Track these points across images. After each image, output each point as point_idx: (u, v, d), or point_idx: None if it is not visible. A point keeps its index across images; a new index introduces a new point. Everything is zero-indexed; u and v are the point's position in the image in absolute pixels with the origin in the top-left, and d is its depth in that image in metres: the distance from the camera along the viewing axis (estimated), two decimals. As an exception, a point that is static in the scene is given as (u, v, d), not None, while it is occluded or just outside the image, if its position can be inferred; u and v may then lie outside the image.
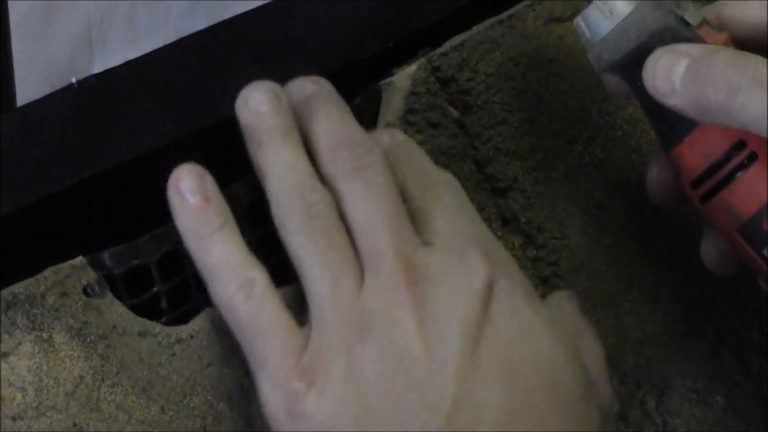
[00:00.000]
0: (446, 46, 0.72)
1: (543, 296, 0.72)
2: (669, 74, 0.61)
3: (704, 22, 0.65)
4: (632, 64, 0.64)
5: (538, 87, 0.73)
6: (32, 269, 0.62)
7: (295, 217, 0.60)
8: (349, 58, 0.75)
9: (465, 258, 0.60)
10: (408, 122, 0.70)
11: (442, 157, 0.70)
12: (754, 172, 0.63)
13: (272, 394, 0.59)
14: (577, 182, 0.73)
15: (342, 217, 0.60)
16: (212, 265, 0.60)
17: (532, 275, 0.71)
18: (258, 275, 0.60)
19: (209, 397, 0.63)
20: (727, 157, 0.63)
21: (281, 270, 0.68)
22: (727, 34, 0.64)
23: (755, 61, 0.59)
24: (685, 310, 0.74)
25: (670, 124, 0.64)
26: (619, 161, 0.74)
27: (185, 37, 0.68)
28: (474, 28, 0.72)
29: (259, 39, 0.71)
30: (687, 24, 0.64)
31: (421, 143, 0.70)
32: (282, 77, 0.72)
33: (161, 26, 0.68)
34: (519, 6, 0.74)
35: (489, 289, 0.59)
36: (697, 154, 0.63)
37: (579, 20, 0.65)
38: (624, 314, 0.73)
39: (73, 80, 0.66)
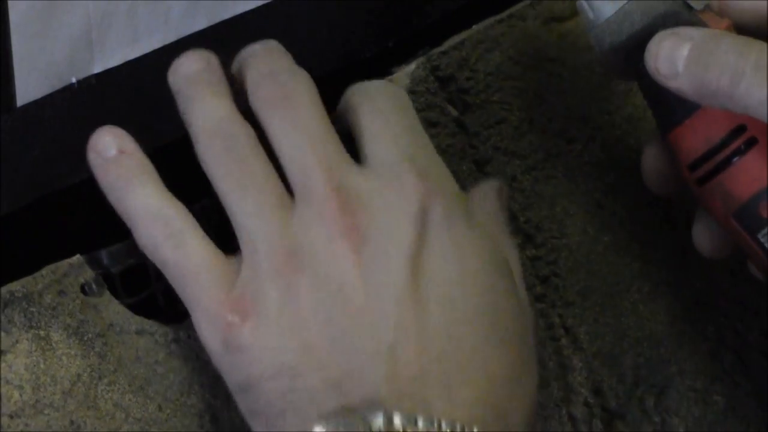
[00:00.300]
0: (446, 45, 0.72)
1: (541, 295, 0.72)
2: (672, 57, 0.62)
3: (707, 7, 0.65)
4: (634, 46, 0.64)
5: (537, 86, 0.73)
6: (30, 267, 0.62)
7: (213, 152, 0.59)
8: (349, 58, 0.75)
9: (400, 181, 0.58)
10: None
11: (440, 156, 0.70)
12: (752, 156, 0.63)
13: (208, 330, 0.58)
14: (577, 182, 0.73)
15: (272, 150, 0.60)
16: (133, 213, 0.59)
17: (530, 274, 0.71)
18: (180, 218, 0.59)
19: (206, 395, 0.63)
20: (727, 141, 0.63)
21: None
22: (729, 20, 0.65)
23: (759, 46, 0.60)
24: (684, 309, 0.74)
25: (670, 107, 0.64)
26: (618, 161, 0.74)
27: (185, 37, 0.68)
28: (474, 27, 0.72)
29: (259, 39, 0.71)
30: (690, 8, 0.64)
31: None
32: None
33: (161, 26, 0.68)
34: (519, 5, 0.74)
35: (424, 212, 0.58)
36: (696, 137, 0.64)
37: (583, 1, 0.65)
38: (623, 314, 0.72)
39: (73, 80, 0.66)
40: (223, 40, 0.69)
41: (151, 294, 0.65)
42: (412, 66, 0.70)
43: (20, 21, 0.64)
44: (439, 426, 0.54)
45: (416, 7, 0.75)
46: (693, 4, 0.65)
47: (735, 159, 0.63)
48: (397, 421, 0.54)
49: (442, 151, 0.70)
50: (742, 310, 0.74)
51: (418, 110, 0.70)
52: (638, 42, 0.64)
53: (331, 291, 0.56)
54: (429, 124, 0.70)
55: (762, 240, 0.63)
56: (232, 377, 0.58)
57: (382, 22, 0.74)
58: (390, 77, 0.70)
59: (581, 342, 0.71)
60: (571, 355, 0.71)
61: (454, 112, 0.71)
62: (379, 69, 0.73)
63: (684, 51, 0.61)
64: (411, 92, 0.70)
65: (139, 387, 0.62)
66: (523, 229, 0.72)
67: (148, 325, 0.63)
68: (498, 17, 0.73)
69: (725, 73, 0.60)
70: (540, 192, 0.72)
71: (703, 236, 0.67)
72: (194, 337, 0.63)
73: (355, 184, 0.58)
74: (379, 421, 0.54)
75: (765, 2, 0.65)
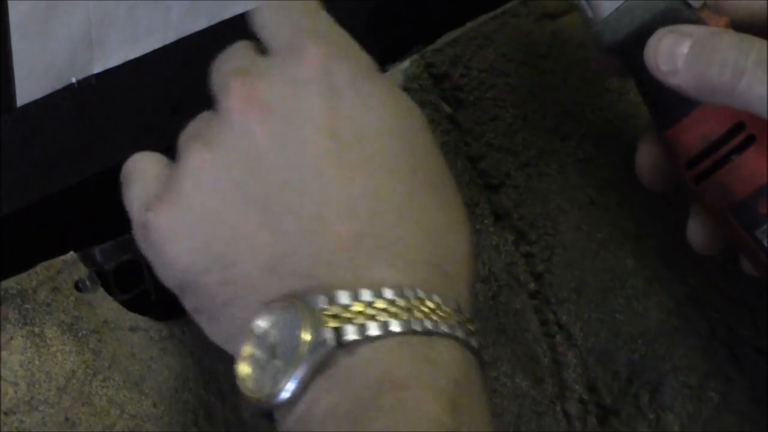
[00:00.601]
0: (439, 43, 0.72)
1: (535, 292, 0.72)
2: (672, 54, 0.62)
3: (704, 6, 0.65)
4: (633, 44, 0.64)
5: (531, 83, 0.73)
6: (24, 264, 0.63)
7: None
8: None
9: (299, 52, 0.58)
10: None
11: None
12: (751, 153, 0.63)
13: (137, 236, 0.58)
14: (570, 178, 0.73)
15: None
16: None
17: (524, 271, 0.71)
18: None
19: (200, 392, 0.64)
20: (725, 139, 0.63)
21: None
22: (726, 18, 0.65)
23: (759, 43, 0.60)
24: (678, 306, 0.73)
25: (667, 105, 0.64)
26: (612, 157, 0.74)
27: (185, 37, 0.68)
28: (467, 24, 0.72)
29: (259, 39, 0.71)
30: (689, 6, 0.64)
31: (413, 139, 0.70)
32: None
33: (161, 26, 0.68)
34: (512, 2, 0.74)
35: (329, 76, 0.57)
36: (694, 134, 0.63)
37: None
38: (617, 310, 0.72)
39: (73, 80, 0.66)
40: (223, 40, 0.69)
41: (144, 290, 0.65)
42: (406, 63, 0.70)
43: (20, 21, 0.64)
44: (381, 294, 0.52)
45: (410, 6, 0.75)
46: (691, 2, 0.65)
47: (733, 156, 0.63)
48: (342, 299, 0.52)
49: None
50: (735, 306, 0.74)
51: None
52: (637, 39, 0.64)
53: (246, 169, 0.55)
54: (423, 121, 0.71)
55: (759, 236, 0.63)
56: (169, 280, 0.57)
57: (378, 21, 0.74)
58: (384, 74, 0.70)
59: (575, 338, 0.71)
60: (566, 352, 0.71)
61: (448, 109, 0.71)
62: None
63: (684, 48, 0.61)
64: (405, 89, 0.70)
65: (134, 383, 0.62)
66: (516, 226, 0.72)
67: (142, 321, 0.63)
68: (491, 14, 0.73)
69: (726, 69, 0.60)
70: (533, 189, 0.72)
71: (697, 232, 0.67)
72: (189, 333, 0.64)
73: (261, 68, 0.58)
74: (321, 302, 0.52)
75: (761, 0, 0.65)
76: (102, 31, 0.67)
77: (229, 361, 0.63)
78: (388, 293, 0.52)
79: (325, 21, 0.61)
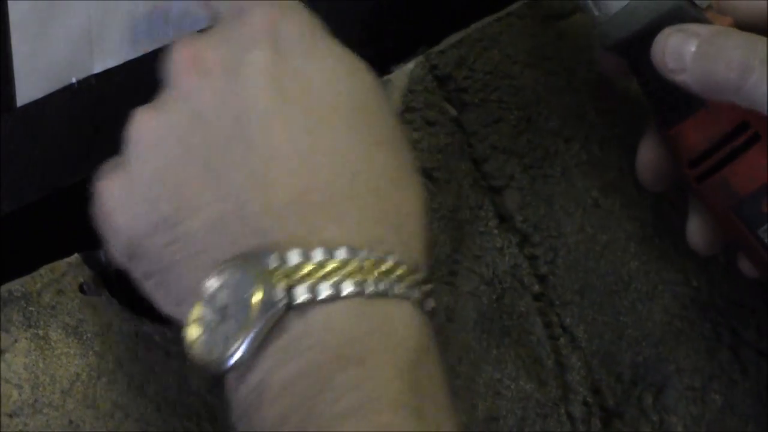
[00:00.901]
0: (444, 44, 0.72)
1: (539, 294, 0.72)
2: (680, 52, 0.62)
3: (710, 6, 0.65)
4: (639, 42, 0.64)
5: (535, 85, 0.73)
6: (28, 267, 0.63)
7: None
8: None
9: (244, 13, 0.56)
10: (405, 120, 0.70)
11: (438, 155, 0.70)
12: (755, 153, 0.63)
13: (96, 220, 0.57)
14: (574, 180, 0.73)
15: None
16: None
17: (528, 273, 0.71)
18: None
19: (205, 395, 0.63)
20: (729, 138, 0.63)
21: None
22: (730, 19, 0.65)
23: (766, 42, 0.60)
24: (682, 308, 0.74)
25: (672, 104, 0.64)
26: (616, 159, 0.74)
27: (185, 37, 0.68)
28: (472, 25, 0.72)
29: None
30: (696, 5, 0.65)
31: (418, 141, 0.70)
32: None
33: (161, 26, 0.68)
34: (517, 4, 0.73)
35: (274, 32, 0.55)
36: (698, 133, 0.64)
37: None
38: (621, 313, 0.72)
39: (73, 80, 0.66)
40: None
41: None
42: (411, 65, 0.70)
43: (20, 21, 0.64)
44: (333, 255, 0.50)
45: (413, 6, 0.75)
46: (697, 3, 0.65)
47: (738, 155, 0.63)
48: (293, 258, 0.50)
49: (440, 150, 0.70)
50: (739, 309, 0.74)
51: (416, 109, 0.70)
52: (643, 38, 0.64)
53: (190, 128, 0.54)
54: (427, 123, 0.70)
55: (761, 235, 0.63)
56: (117, 250, 0.56)
57: (380, 21, 0.74)
58: (388, 76, 0.70)
59: (579, 341, 0.71)
60: (570, 354, 0.71)
61: (453, 111, 0.71)
62: (378, 68, 0.73)
63: (692, 46, 0.62)
64: (409, 91, 0.70)
65: (138, 387, 0.62)
66: (520, 228, 0.72)
67: (147, 324, 0.63)
68: (496, 16, 0.73)
69: (733, 67, 0.60)
70: (538, 191, 0.72)
71: (697, 232, 0.67)
72: (193, 336, 0.64)
73: (203, 35, 0.57)
74: (272, 261, 0.50)
75: (764, 1, 0.65)
76: (102, 31, 0.67)
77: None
78: (341, 253, 0.51)
79: None
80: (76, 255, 0.63)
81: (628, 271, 0.73)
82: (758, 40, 0.60)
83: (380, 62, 0.73)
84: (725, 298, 0.74)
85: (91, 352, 0.61)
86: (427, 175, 0.70)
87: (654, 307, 0.72)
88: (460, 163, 0.71)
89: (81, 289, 0.62)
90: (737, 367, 0.73)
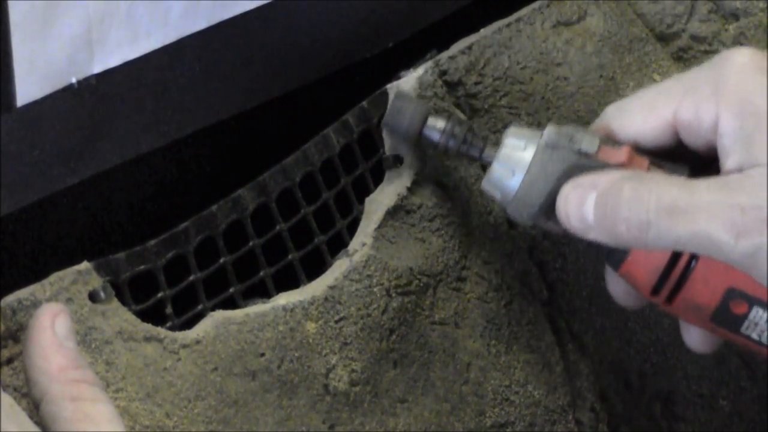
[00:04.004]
0: (454, 50, 0.71)
1: (547, 300, 0.72)
2: (581, 214, 0.62)
3: (602, 143, 0.64)
4: (551, 209, 0.64)
5: (545, 91, 0.73)
6: (34, 269, 0.62)
7: None
8: (349, 59, 0.74)
9: None
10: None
11: (448, 161, 0.70)
12: (702, 268, 0.63)
13: None
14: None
15: None
16: None
17: (537, 280, 0.71)
18: None
19: (213, 402, 0.63)
20: (673, 262, 0.63)
21: (286, 274, 0.68)
22: (627, 146, 0.63)
23: (656, 186, 0.59)
24: (690, 314, 0.74)
25: (609, 249, 0.64)
26: (625, 165, 0.74)
27: (185, 37, 0.67)
28: (481, 31, 0.72)
29: (259, 39, 0.71)
30: (586, 154, 0.64)
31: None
32: (282, 77, 0.72)
33: (161, 26, 0.67)
34: (527, 9, 0.73)
35: None
36: (643, 268, 0.64)
37: (485, 184, 0.65)
38: (629, 319, 0.73)
39: (73, 80, 0.65)
40: (223, 40, 0.69)
41: (159, 301, 0.64)
42: (420, 70, 0.70)
43: (20, 21, 0.63)
44: None
45: (417, 8, 0.74)
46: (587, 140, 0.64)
47: (689, 274, 0.63)
48: None
49: (450, 157, 0.70)
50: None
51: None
52: (552, 204, 0.63)
53: None
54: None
55: (746, 333, 0.63)
56: None
57: (382, 23, 0.74)
58: (398, 81, 0.70)
59: (588, 347, 0.72)
60: (578, 361, 0.71)
61: (463, 117, 0.71)
62: (379, 69, 0.73)
63: (590, 206, 0.61)
64: (419, 97, 0.69)
65: (147, 394, 0.61)
66: (530, 234, 0.72)
67: (156, 332, 0.63)
68: (506, 21, 0.72)
69: (632, 226, 0.60)
70: (547, 197, 0.72)
71: (692, 338, 0.66)
72: (202, 343, 0.63)
73: None
74: None
75: (648, 121, 0.64)
76: (102, 31, 0.66)
77: (243, 373, 0.62)
78: None
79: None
80: (85, 263, 0.61)
81: (636, 278, 0.73)
82: (649, 187, 0.60)
83: (382, 63, 0.73)
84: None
85: (100, 360, 0.61)
86: (437, 181, 0.70)
87: (662, 314, 0.73)
88: (469, 169, 0.71)
89: (91, 297, 0.61)
90: (745, 374, 0.74)
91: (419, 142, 0.67)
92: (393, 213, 0.68)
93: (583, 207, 0.62)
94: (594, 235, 0.62)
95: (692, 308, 0.64)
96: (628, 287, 0.66)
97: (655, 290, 0.64)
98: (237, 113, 0.71)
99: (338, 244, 0.69)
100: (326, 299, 0.66)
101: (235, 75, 0.70)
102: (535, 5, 0.74)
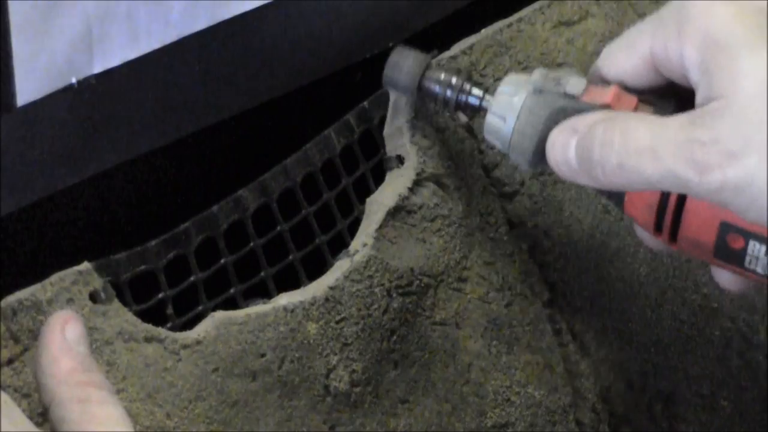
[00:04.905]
0: (455, 50, 0.71)
1: (549, 301, 0.72)
2: (565, 158, 0.61)
3: (591, 85, 0.63)
4: (544, 155, 0.63)
5: (545, 91, 0.73)
6: (34, 269, 0.62)
7: None
8: (349, 59, 0.74)
9: None
10: (416, 126, 0.69)
11: (449, 161, 0.70)
12: (691, 204, 0.62)
13: None
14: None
15: None
16: None
17: (539, 280, 0.71)
18: None
19: (214, 403, 0.63)
20: (665, 200, 0.63)
21: (287, 274, 0.68)
22: (614, 86, 0.62)
23: (626, 126, 0.58)
24: (691, 314, 0.74)
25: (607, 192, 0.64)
26: (626, 165, 0.74)
27: (185, 37, 0.67)
28: (482, 31, 0.72)
29: (259, 39, 0.71)
30: (572, 97, 0.63)
31: (428, 147, 0.69)
32: (282, 77, 0.72)
33: (161, 26, 0.67)
34: (528, 9, 0.73)
35: None
36: (639, 208, 0.63)
37: (485, 134, 0.65)
38: (630, 319, 0.73)
39: (73, 80, 0.65)
40: (223, 40, 0.69)
41: (160, 301, 0.64)
42: (421, 70, 0.70)
43: (20, 21, 0.63)
44: None
45: (416, 8, 0.74)
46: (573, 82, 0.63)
47: (682, 211, 0.62)
48: None
49: (450, 157, 0.70)
50: (748, 314, 0.75)
51: (427, 115, 0.70)
52: (544, 150, 0.62)
53: None
54: (438, 130, 0.70)
55: (751, 268, 0.62)
56: None
57: (382, 23, 0.74)
58: (398, 81, 0.70)
59: (589, 347, 0.72)
60: (579, 361, 0.71)
61: (463, 118, 0.71)
62: (379, 69, 0.73)
63: (571, 151, 0.60)
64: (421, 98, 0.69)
65: (148, 395, 0.61)
66: (531, 234, 0.72)
67: (157, 332, 0.63)
68: (507, 21, 0.72)
69: (606, 170, 0.59)
70: (548, 197, 0.72)
71: (722, 276, 0.65)
72: (203, 343, 0.63)
73: None
74: None
75: (634, 61, 0.63)
76: (102, 31, 0.66)
77: (243, 373, 0.62)
78: None
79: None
80: (86, 263, 0.61)
81: (637, 278, 0.73)
82: (615, 128, 0.59)
83: (382, 63, 0.72)
84: (734, 303, 0.75)
85: (101, 360, 0.60)
86: (438, 181, 0.69)
87: (663, 314, 0.73)
88: (470, 169, 0.71)
89: (91, 297, 0.61)
90: (747, 374, 0.74)
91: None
92: (394, 213, 0.68)
93: (567, 152, 0.61)
94: (581, 179, 0.61)
95: (695, 245, 0.63)
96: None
97: (658, 227, 0.63)
98: (237, 113, 0.71)
99: (339, 245, 0.69)
100: (327, 300, 0.66)
101: (235, 75, 0.70)
102: (536, 5, 0.74)
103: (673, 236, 0.63)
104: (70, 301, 0.60)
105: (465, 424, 0.69)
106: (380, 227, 0.68)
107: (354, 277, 0.66)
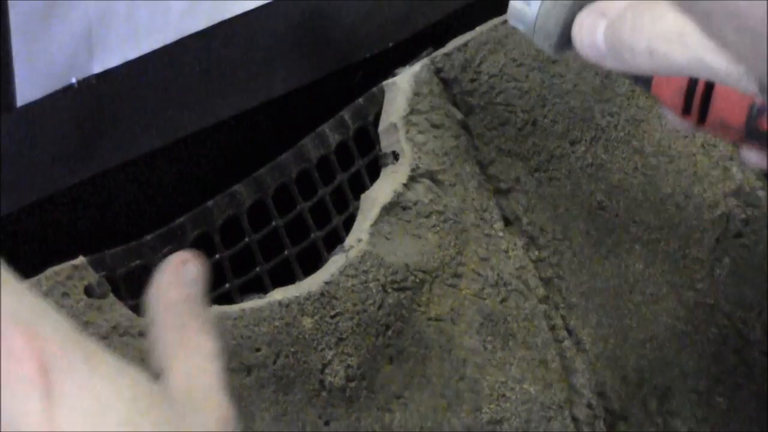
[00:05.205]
0: (449, 47, 0.71)
1: (544, 297, 0.72)
2: (593, 41, 0.60)
3: None
4: (570, 37, 0.63)
5: (540, 88, 0.73)
6: (34, 269, 0.62)
7: None
8: (349, 58, 0.74)
9: (5, 345, 0.47)
10: (411, 123, 0.69)
11: (444, 158, 0.70)
12: (720, 87, 0.62)
13: None
14: (580, 183, 0.73)
15: None
16: None
17: (534, 276, 0.71)
18: None
19: (210, 398, 0.63)
20: (694, 83, 0.63)
21: (283, 269, 0.68)
22: None
23: (656, 12, 0.57)
24: (687, 311, 0.74)
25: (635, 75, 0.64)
26: (621, 162, 0.74)
27: (185, 37, 0.68)
28: (477, 28, 0.72)
29: (259, 39, 0.71)
30: None
31: (423, 144, 0.69)
32: (282, 77, 0.72)
33: (161, 26, 0.68)
34: (522, 6, 0.73)
35: (44, 371, 0.47)
36: (668, 90, 0.64)
37: (509, 18, 0.64)
38: (626, 315, 0.72)
39: (73, 80, 0.65)
40: (223, 40, 0.69)
41: (155, 296, 0.64)
42: (416, 68, 0.70)
43: (20, 21, 0.63)
44: None
45: (416, 8, 0.75)
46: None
47: (711, 93, 0.63)
48: None
49: (446, 153, 0.70)
50: (745, 311, 0.75)
51: (422, 112, 0.70)
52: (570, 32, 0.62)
53: None
54: (433, 126, 0.70)
55: None
56: None
57: (382, 23, 0.74)
58: (393, 79, 0.70)
59: (584, 344, 0.71)
60: (574, 357, 0.71)
61: (458, 114, 0.71)
62: (379, 69, 0.73)
63: (600, 34, 0.59)
64: (415, 94, 0.69)
65: (143, 389, 0.61)
66: (526, 230, 0.72)
67: (152, 326, 0.63)
68: (501, 18, 0.72)
69: (637, 54, 0.58)
70: (543, 194, 0.72)
71: (749, 155, 0.65)
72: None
73: None
74: None
75: None
76: (102, 31, 0.66)
77: (239, 368, 0.62)
78: None
79: (31, 304, 0.50)
80: (81, 258, 0.62)
81: (633, 274, 0.73)
82: (648, 17, 0.55)
83: (384, 64, 0.73)
84: (730, 300, 0.74)
85: (96, 355, 0.60)
86: (433, 177, 0.70)
87: (659, 310, 0.73)
88: (465, 166, 0.71)
89: (86, 291, 0.61)
90: (743, 370, 0.73)
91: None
92: (389, 209, 0.69)
93: (595, 35, 0.60)
94: (608, 63, 0.60)
95: (724, 127, 0.63)
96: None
97: (685, 110, 0.64)
98: (237, 113, 0.71)
99: (334, 240, 0.69)
100: (322, 294, 0.66)
101: (235, 75, 0.70)
102: (530, 2, 0.74)
103: (702, 118, 0.63)
104: (65, 295, 0.61)
105: (460, 419, 0.69)
106: (375, 223, 0.68)
107: (349, 272, 0.66)
